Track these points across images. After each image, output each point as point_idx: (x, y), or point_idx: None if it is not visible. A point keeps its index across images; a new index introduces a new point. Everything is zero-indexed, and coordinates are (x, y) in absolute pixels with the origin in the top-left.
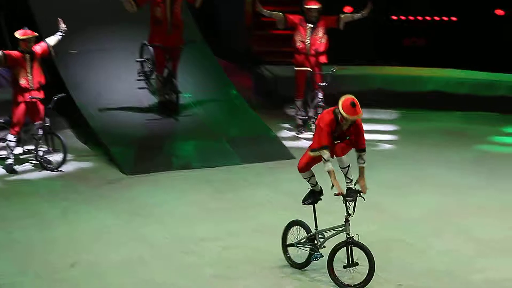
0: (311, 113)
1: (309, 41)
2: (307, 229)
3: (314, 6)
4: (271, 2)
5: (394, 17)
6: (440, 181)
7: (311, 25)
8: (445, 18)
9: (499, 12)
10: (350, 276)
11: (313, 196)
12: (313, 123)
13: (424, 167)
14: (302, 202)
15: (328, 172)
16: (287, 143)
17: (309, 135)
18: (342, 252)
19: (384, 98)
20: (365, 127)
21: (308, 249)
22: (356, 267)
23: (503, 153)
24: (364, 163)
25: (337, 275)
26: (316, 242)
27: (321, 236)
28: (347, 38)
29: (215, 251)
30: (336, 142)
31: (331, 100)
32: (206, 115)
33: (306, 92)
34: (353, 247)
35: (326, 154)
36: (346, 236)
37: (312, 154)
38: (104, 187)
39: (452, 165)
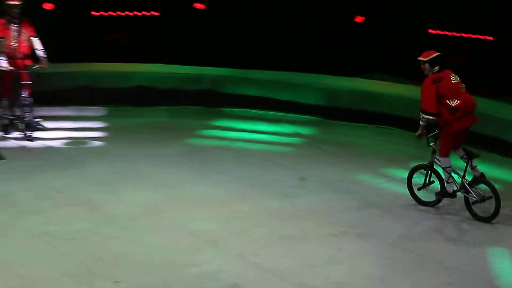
0: (18, 113)
1: (16, 44)
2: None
3: (16, 2)
4: None
5: (95, 13)
6: (153, 177)
7: (16, 27)
8: (147, 13)
9: (199, 6)
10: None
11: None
12: (20, 122)
13: (135, 163)
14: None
15: None
16: None
17: (17, 135)
18: None
19: (90, 95)
20: (73, 125)
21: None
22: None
23: (212, 146)
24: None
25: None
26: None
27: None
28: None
29: None
30: None
31: (40, 98)
32: None
33: (12, 91)
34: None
35: None
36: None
37: None
38: None
39: (163, 160)
